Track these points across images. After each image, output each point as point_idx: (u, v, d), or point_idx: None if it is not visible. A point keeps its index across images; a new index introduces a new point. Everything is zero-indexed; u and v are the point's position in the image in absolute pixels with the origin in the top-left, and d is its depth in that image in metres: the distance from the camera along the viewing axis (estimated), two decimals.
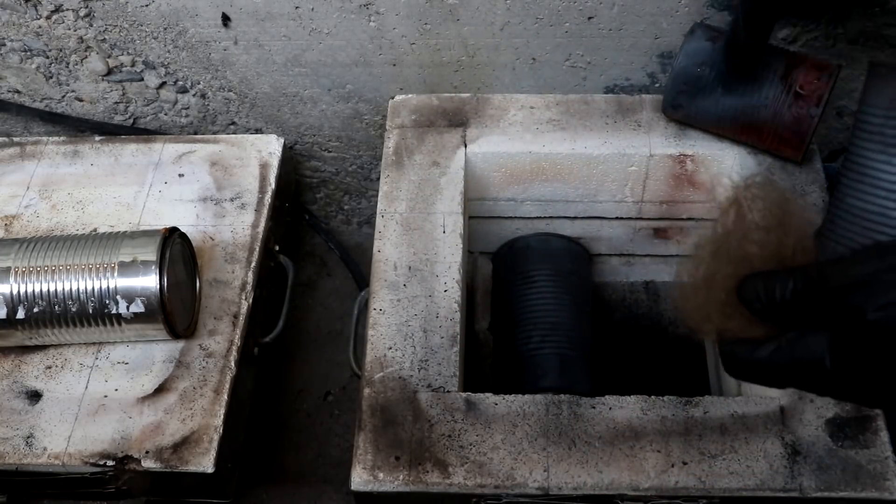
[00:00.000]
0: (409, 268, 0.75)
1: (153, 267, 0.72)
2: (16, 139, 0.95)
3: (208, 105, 0.99)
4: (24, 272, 0.73)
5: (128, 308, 0.72)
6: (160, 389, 0.75)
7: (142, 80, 0.96)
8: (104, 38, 0.91)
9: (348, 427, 1.02)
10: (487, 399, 0.68)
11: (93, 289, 0.72)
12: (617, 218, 0.90)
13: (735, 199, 0.48)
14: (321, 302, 1.13)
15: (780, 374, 0.46)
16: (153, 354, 0.77)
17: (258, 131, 1.03)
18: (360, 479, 0.64)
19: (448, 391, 0.68)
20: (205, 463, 0.70)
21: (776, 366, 0.46)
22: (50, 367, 0.77)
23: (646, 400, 0.67)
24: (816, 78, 0.73)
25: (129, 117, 1.01)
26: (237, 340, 0.78)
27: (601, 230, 0.93)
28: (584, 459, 0.64)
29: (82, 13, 0.88)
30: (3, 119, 1.03)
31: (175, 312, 0.74)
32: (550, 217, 0.91)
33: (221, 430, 0.72)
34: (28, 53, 0.94)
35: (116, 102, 0.99)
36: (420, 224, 0.78)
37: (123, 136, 0.96)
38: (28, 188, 0.90)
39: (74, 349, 0.78)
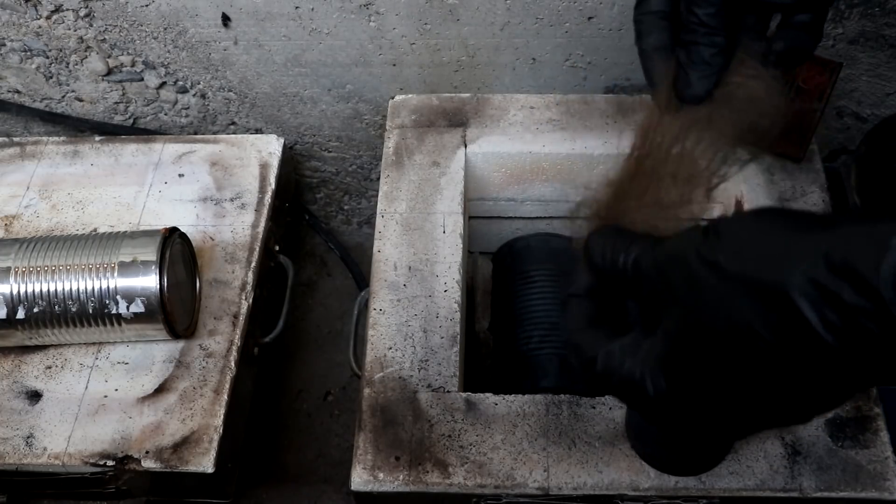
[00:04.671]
0: (409, 268, 0.75)
1: (153, 267, 0.72)
2: (16, 139, 0.95)
3: (208, 105, 0.99)
4: (24, 272, 0.73)
5: (128, 308, 0.72)
6: (160, 389, 0.75)
7: (142, 80, 0.96)
8: (104, 38, 0.91)
9: (348, 427, 1.02)
10: (487, 399, 0.68)
11: (93, 289, 0.72)
12: None
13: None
14: (321, 302, 1.13)
15: (617, 393, 0.41)
16: (153, 354, 0.77)
17: (258, 131, 1.03)
18: (360, 479, 0.64)
19: (448, 391, 0.68)
20: (205, 463, 0.70)
21: (608, 379, 0.40)
22: (50, 367, 0.77)
23: None
24: (818, 73, 0.73)
25: (129, 117, 1.01)
26: (237, 340, 0.78)
27: None
28: (584, 459, 0.64)
29: (82, 13, 0.88)
30: (3, 119, 1.03)
31: (175, 312, 0.74)
32: (550, 217, 0.91)
33: (221, 430, 0.72)
34: (28, 53, 0.94)
35: (116, 102, 0.99)
36: (420, 224, 0.78)
37: (123, 136, 0.96)
38: (28, 188, 0.90)
39: (74, 349, 0.78)
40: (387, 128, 0.86)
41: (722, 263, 0.35)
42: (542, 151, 0.83)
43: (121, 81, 0.97)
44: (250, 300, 0.81)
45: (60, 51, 0.93)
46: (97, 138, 0.94)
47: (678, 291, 0.37)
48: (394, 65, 0.92)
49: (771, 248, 0.34)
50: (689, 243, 0.37)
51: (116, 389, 0.75)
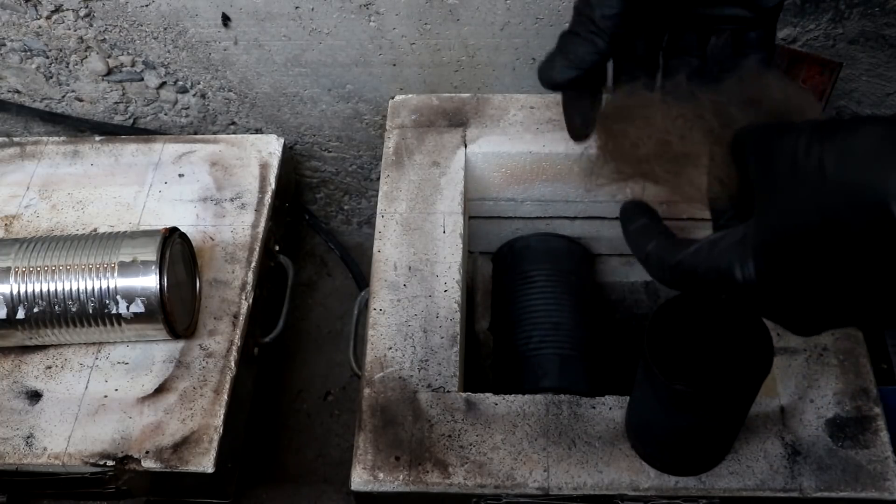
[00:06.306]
0: (409, 268, 0.75)
1: (153, 267, 0.72)
2: (16, 139, 0.95)
3: (208, 105, 0.99)
4: (24, 272, 0.73)
5: (128, 308, 0.72)
6: (160, 389, 0.75)
7: (142, 80, 0.96)
8: (104, 38, 0.91)
9: (348, 427, 1.02)
10: (487, 399, 0.68)
11: (93, 289, 0.72)
12: (617, 218, 0.90)
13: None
14: (321, 302, 1.13)
15: (702, 283, 0.43)
16: (153, 354, 0.77)
17: (258, 131, 1.03)
18: (360, 479, 0.64)
19: (448, 391, 0.68)
20: (205, 463, 0.71)
21: (694, 273, 0.43)
22: (50, 367, 0.77)
23: None
24: (818, 73, 0.73)
25: (129, 117, 1.01)
26: (237, 340, 0.78)
27: (601, 230, 0.92)
28: (584, 459, 0.64)
29: (82, 13, 0.88)
30: (3, 119, 1.03)
31: (175, 312, 0.74)
32: (550, 217, 0.91)
33: (221, 430, 0.72)
34: (28, 53, 0.94)
35: (116, 102, 0.99)
36: (420, 224, 0.78)
37: (123, 136, 0.96)
38: (28, 188, 0.90)
39: (74, 349, 0.78)
40: (387, 128, 0.86)
41: (826, 163, 0.36)
42: (542, 151, 0.83)
43: (121, 81, 0.97)
44: (250, 300, 0.81)
45: (60, 51, 0.93)
46: (97, 138, 0.94)
47: (780, 181, 0.38)
48: (394, 65, 0.92)
49: (878, 157, 0.35)
50: (798, 136, 0.38)
51: (116, 389, 0.75)
